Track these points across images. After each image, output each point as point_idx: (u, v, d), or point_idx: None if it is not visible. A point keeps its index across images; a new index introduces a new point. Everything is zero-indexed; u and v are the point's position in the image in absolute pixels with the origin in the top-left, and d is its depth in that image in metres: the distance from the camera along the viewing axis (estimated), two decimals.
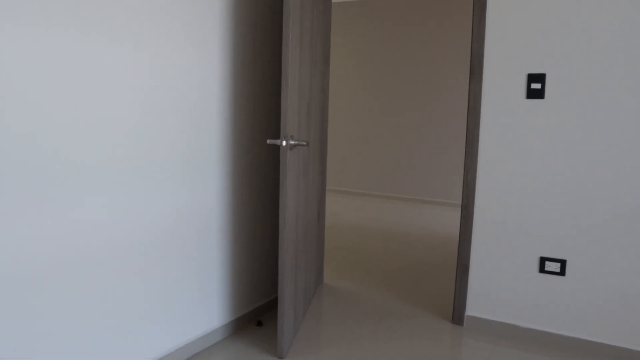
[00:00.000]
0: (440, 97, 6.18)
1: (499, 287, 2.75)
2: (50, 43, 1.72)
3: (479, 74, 2.68)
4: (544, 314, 2.66)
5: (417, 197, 6.44)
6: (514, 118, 2.63)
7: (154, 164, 2.16)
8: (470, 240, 2.79)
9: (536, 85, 2.56)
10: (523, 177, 2.64)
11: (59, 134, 1.78)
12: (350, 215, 5.58)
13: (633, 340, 2.48)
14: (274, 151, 2.91)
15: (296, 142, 2.34)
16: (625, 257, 2.46)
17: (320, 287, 3.39)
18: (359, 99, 6.70)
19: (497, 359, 2.49)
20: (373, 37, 6.52)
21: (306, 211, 2.79)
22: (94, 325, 1.98)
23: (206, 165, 2.43)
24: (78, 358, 1.93)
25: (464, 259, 2.81)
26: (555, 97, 2.53)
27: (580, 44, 2.46)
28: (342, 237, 4.68)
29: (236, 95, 2.59)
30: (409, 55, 6.31)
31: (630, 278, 2.46)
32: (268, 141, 2.30)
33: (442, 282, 3.56)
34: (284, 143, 2.27)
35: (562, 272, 2.59)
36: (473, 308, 2.83)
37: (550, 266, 2.62)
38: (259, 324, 2.79)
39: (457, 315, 2.86)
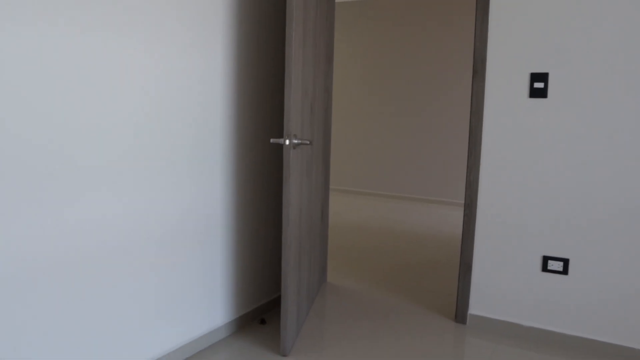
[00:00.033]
0: (444, 96, 6.18)
1: (501, 285, 2.76)
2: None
3: (482, 73, 2.68)
4: (547, 312, 2.66)
5: (420, 196, 6.44)
6: (517, 117, 2.63)
7: (159, 164, 2.18)
8: (473, 239, 2.79)
9: (539, 85, 2.56)
10: (526, 176, 2.64)
11: (65, 135, 1.79)
12: (354, 215, 5.59)
13: (636, 339, 2.49)
14: (277, 150, 2.92)
15: (299, 141, 2.35)
16: (628, 256, 2.47)
17: (324, 286, 3.40)
18: (362, 98, 6.71)
19: (499, 358, 2.50)
20: (377, 36, 6.52)
21: (309, 210, 2.80)
22: (98, 323, 1.99)
23: (210, 164, 2.45)
24: (81, 356, 1.94)
25: (466, 258, 2.82)
26: (558, 96, 2.54)
27: (583, 43, 2.46)
28: (345, 236, 4.69)
29: (240, 94, 2.60)
30: (413, 55, 6.31)
31: (633, 277, 2.47)
32: (271, 140, 2.31)
33: (445, 280, 3.57)
34: (287, 142, 2.28)
35: (564, 271, 2.60)
36: (476, 306, 2.84)
37: (552, 265, 2.62)
38: (263, 322, 2.80)
39: (459, 313, 2.87)
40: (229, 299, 2.67)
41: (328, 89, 3.24)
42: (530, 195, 2.64)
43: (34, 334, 1.76)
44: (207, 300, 2.51)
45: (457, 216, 5.67)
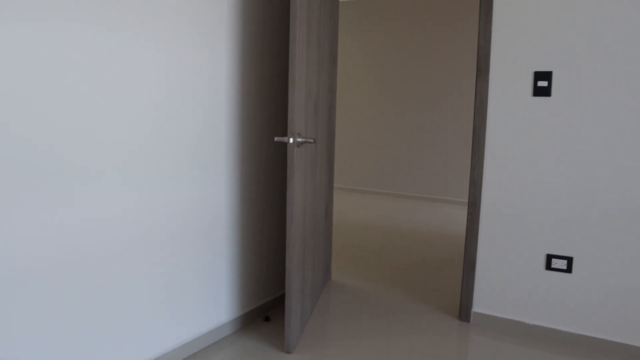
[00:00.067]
0: (448, 95, 6.18)
1: (505, 284, 2.76)
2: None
3: (486, 71, 2.69)
4: (551, 310, 2.66)
5: (425, 195, 6.44)
6: (521, 116, 2.64)
7: (163, 163, 2.19)
8: (477, 238, 2.80)
9: (543, 83, 2.56)
10: (529, 174, 2.65)
11: (68, 136, 1.81)
12: (358, 213, 5.60)
13: (639, 337, 2.49)
14: (281, 149, 2.94)
15: (303, 140, 2.36)
16: (632, 254, 2.47)
17: (328, 284, 3.42)
18: (366, 97, 6.71)
19: (503, 356, 2.50)
20: (381, 35, 6.53)
21: (314, 208, 2.82)
22: (101, 321, 2.01)
23: (214, 163, 2.46)
24: (85, 355, 1.96)
25: (470, 256, 2.82)
26: (562, 94, 2.54)
27: (587, 42, 2.46)
28: (349, 234, 4.71)
29: (244, 93, 2.62)
30: (417, 54, 6.32)
31: (637, 275, 2.46)
32: (275, 139, 2.32)
33: (449, 279, 3.58)
34: (291, 140, 2.30)
35: (568, 270, 2.60)
36: (480, 305, 2.84)
37: (556, 263, 2.62)
38: (267, 319, 2.82)
39: (463, 311, 2.87)
40: (234, 296, 2.69)
41: (332, 88, 3.25)
42: (534, 194, 2.65)
43: (34, 334, 1.77)
44: (212, 297, 2.53)
45: (461, 215, 5.67)
